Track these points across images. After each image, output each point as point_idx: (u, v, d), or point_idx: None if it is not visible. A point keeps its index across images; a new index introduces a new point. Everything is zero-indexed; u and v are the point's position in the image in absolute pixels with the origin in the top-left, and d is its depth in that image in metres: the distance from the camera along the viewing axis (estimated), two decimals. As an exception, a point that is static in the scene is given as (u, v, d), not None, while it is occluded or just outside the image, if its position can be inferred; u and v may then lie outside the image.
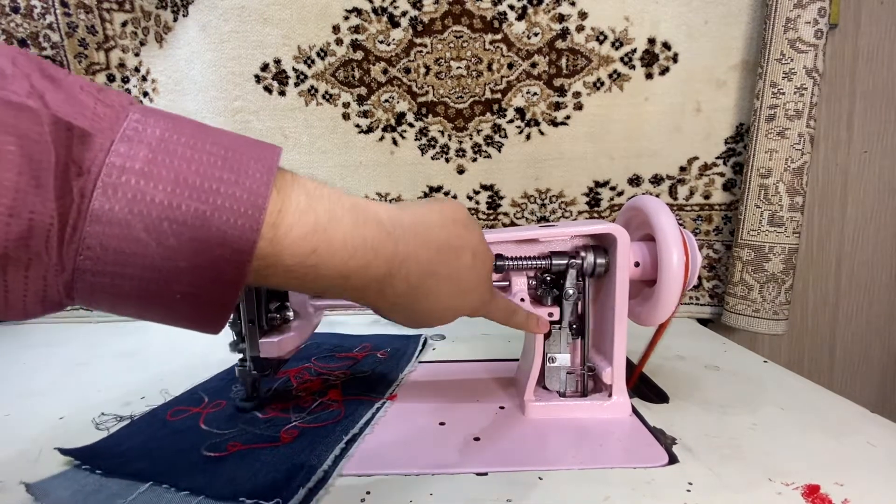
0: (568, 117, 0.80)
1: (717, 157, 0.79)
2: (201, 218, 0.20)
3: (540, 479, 0.35)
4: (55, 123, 0.19)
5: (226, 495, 0.33)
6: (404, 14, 0.78)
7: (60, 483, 0.35)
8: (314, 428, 0.42)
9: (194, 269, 0.21)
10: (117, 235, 0.20)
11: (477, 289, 0.34)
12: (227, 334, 0.44)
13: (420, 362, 0.59)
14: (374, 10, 0.78)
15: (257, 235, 0.21)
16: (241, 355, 0.44)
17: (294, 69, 0.81)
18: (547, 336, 0.44)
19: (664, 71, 0.77)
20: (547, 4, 0.77)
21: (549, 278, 0.44)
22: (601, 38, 0.77)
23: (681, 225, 0.42)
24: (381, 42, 0.79)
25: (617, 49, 0.77)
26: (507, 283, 0.44)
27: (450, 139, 0.82)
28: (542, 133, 0.81)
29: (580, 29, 0.77)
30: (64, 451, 0.38)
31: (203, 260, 0.21)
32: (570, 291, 0.43)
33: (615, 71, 0.78)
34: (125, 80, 0.83)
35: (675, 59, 0.77)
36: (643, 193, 0.81)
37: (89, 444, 0.40)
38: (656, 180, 0.81)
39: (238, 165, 0.22)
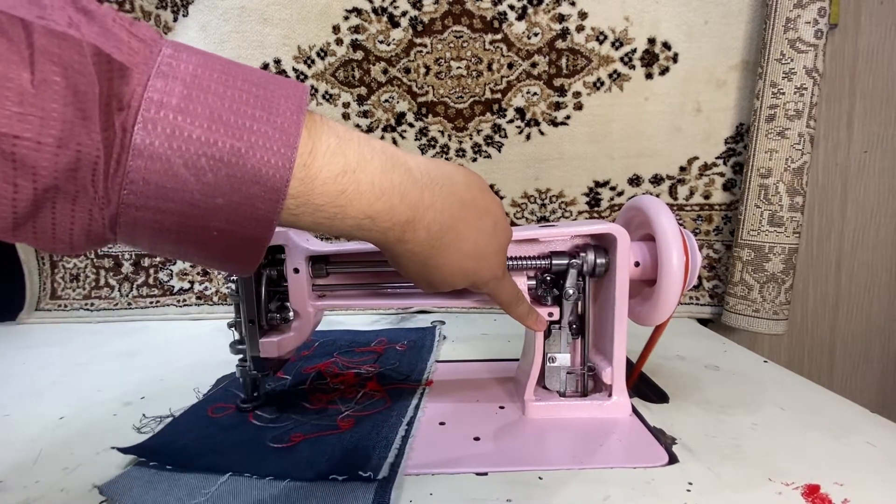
0: (568, 117, 0.80)
1: (717, 157, 0.79)
2: (237, 155, 0.21)
3: (540, 478, 0.35)
4: (97, 55, 0.19)
5: (311, 476, 0.34)
6: (404, 14, 0.78)
7: (131, 482, 0.35)
8: (369, 415, 0.43)
9: (230, 206, 0.21)
10: (158, 170, 0.20)
11: (493, 257, 0.34)
12: (227, 335, 0.44)
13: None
14: (374, 10, 0.78)
15: (290, 174, 0.22)
16: (240, 355, 0.44)
17: (294, 69, 0.81)
18: (547, 336, 0.44)
19: (664, 71, 0.77)
20: (547, 4, 0.77)
21: (549, 278, 0.44)
22: (601, 38, 0.77)
23: (681, 225, 0.42)
24: (381, 42, 0.80)
25: (617, 49, 0.77)
26: (507, 283, 0.44)
27: (450, 139, 0.82)
28: (542, 133, 0.81)
29: (580, 29, 0.77)
30: (123, 450, 0.38)
31: (239, 197, 0.21)
32: (571, 291, 0.43)
33: (615, 71, 0.78)
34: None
35: (675, 59, 0.77)
36: (643, 193, 0.81)
37: (142, 443, 0.40)
38: (656, 180, 0.81)
39: (269, 103, 0.22)
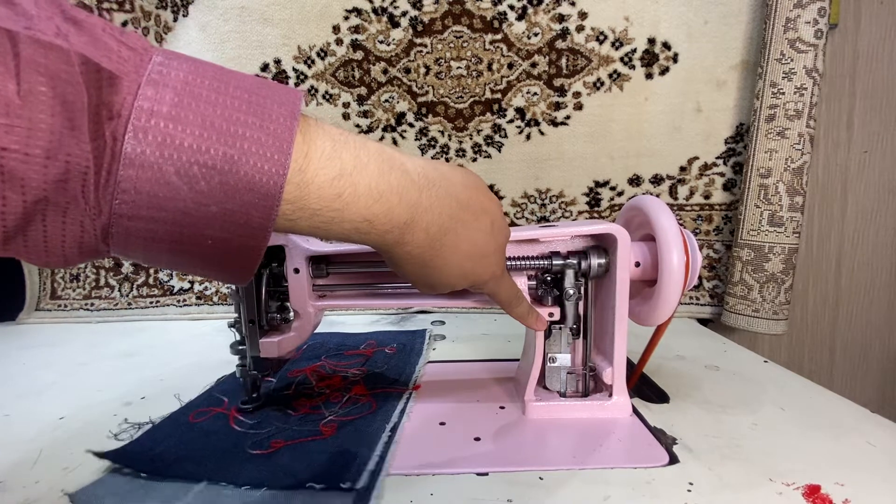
0: (568, 117, 0.80)
1: (717, 157, 0.79)
2: (230, 162, 0.21)
3: (540, 479, 0.35)
4: (85, 64, 0.19)
5: (289, 485, 0.33)
6: (404, 14, 0.78)
7: (104, 490, 0.34)
8: (352, 420, 0.43)
9: (224, 214, 0.21)
10: (150, 179, 0.20)
11: (491, 257, 0.34)
12: (227, 335, 0.44)
13: (420, 362, 0.59)
14: (374, 10, 0.78)
15: (284, 180, 0.22)
16: (240, 355, 0.44)
17: (294, 69, 0.81)
18: (547, 336, 0.44)
19: (664, 71, 0.77)
20: (547, 4, 0.77)
21: (549, 278, 0.44)
22: (601, 38, 0.77)
23: (681, 225, 0.42)
24: (381, 42, 0.80)
25: (617, 49, 0.77)
26: (508, 283, 0.44)
27: (450, 139, 0.82)
28: (542, 133, 0.81)
29: (580, 29, 0.77)
30: (100, 455, 0.37)
31: (233, 204, 0.21)
32: (571, 291, 0.43)
33: (615, 71, 0.78)
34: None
35: (675, 59, 0.77)
36: (643, 193, 0.81)
37: (120, 448, 0.39)
38: (656, 180, 0.81)
39: (262, 109, 0.22)
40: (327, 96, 0.82)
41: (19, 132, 0.17)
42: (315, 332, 0.59)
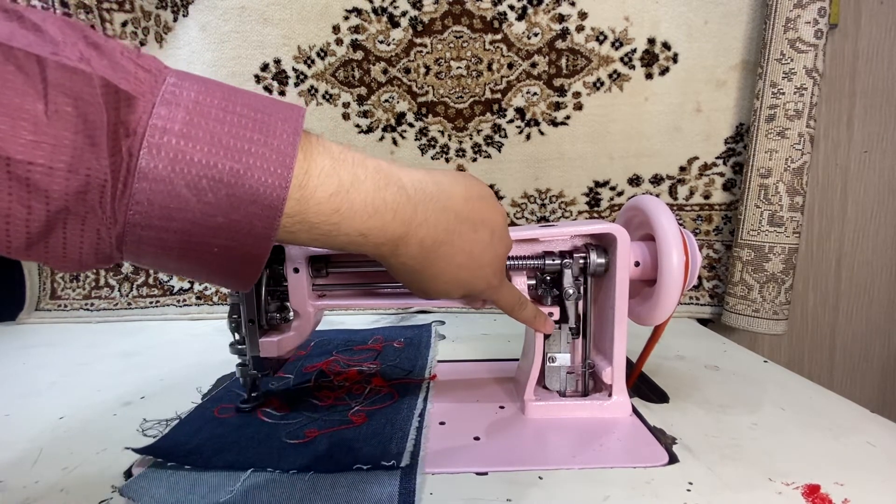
0: (568, 117, 0.80)
1: (717, 157, 0.79)
2: (236, 176, 0.22)
3: (540, 478, 0.35)
4: (105, 86, 0.20)
5: (334, 468, 0.35)
6: (404, 14, 0.78)
7: (151, 483, 0.34)
8: (380, 409, 0.45)
9: (230, 224, 0.23)
10: (162, 192, 0.21)
11: (489, 267, 0.34)
12: (227, 335, 0.44)
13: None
14: (374, 10, 0.78)
15: (286, 193, 0.23)
16: (239, 356, 0.44)
17: (294, 69, 0.81)
18: (547, 336, 0.44)
19: (664, 71, 0.77)
20: (547, 4, 0.77)
21: (549, 278, 0.44)
22: (601, 38, 0.77)
23: (681, 225, 0.42)
24: (381, 42, 0.80)
25: (617, 49, 0.77)
26: (507, 282, 0.44)
27: (450, 139, 0.82)
28: (542, 133, 0.81)
29: (580, 29, 0.77)
30: (138, 450, 0.38)
31: (238, 215, 0.22)
32: (570, 291, 0.43)
33: (615, 71, 0.78)
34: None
35: (675, 59, 0.77)
36: (643, 193, 0.81)
37: (155, 443, 0.40)
38: (656, 180, 0.81)
39: (266, 127, 0.23)
40: (327, 96, 0.82)
41: (45, 148, 0.19)
42: (317, 329, 0.60)
